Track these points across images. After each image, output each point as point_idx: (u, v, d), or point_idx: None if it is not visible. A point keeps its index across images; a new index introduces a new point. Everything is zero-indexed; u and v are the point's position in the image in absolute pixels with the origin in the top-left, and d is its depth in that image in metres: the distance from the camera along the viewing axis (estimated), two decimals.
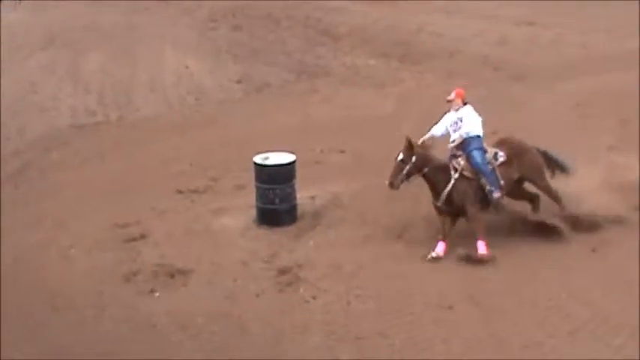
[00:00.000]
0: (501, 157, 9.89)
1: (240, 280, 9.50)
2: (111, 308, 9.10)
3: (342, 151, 13.19)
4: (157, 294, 9.34)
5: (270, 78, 17.50)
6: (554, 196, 10.14)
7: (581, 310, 8.57)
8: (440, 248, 9.72)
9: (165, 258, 9.95)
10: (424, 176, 9.80)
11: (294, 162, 10.78)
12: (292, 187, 10.78)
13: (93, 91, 17.22)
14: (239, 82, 17.44)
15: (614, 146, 11.87)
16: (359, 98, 15.98)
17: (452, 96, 10.00)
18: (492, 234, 9.71)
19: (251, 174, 10.94)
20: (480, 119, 9.92)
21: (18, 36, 21.94)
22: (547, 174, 10.22)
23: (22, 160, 13.61)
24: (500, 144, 10.10)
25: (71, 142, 14.38)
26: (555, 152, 10.29)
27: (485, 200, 9.78)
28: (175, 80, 17.90)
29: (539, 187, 10.18)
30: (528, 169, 10.09)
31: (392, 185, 9.70)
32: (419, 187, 11.17)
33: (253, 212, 10.92)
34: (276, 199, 10.66)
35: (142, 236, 10.51)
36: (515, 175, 10.00)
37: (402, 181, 9.70)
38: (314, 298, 9.10)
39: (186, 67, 18.69)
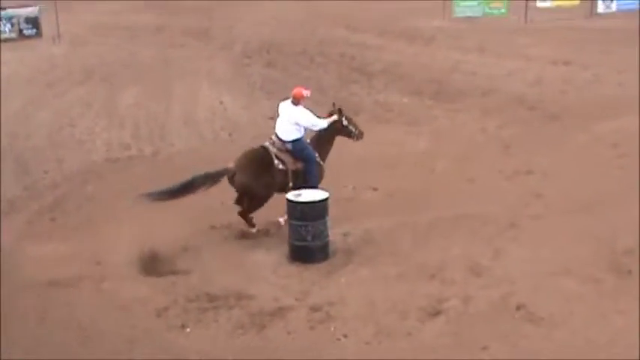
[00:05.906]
0: None
1: (271, 317, 9.45)
2: (142, 343, 9.09)
3: (375, 189, 13.15)
4: (188, 329, 9.32)
5: None
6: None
7: None
8: None
9: (197, 293, 9.93)
10: None
11: (326, 199, 10.77)
12: (325, 224, 10.75)
13: (128, 125, 17.41)
14: (272, 118, 17.47)
15: None
16: (392, 135, 15.97)
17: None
18: None
19: (284, 210, 10.99)
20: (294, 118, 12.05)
21: (58, 69, 22.34)
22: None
23: (59, 192, 13.75)
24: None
25: (106, 176, 14.51)
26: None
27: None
28: (209, 115, 18.05)
29: None
30: None
31: None
32: (451, 225, 11.13)
33: (286, 248, 10.92)
34: (308, 235, 10.65)
35: (174, 272, 10.52)
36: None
37: None
38: (345, 336, 9.01)
39: (221, 103, 18.85)
